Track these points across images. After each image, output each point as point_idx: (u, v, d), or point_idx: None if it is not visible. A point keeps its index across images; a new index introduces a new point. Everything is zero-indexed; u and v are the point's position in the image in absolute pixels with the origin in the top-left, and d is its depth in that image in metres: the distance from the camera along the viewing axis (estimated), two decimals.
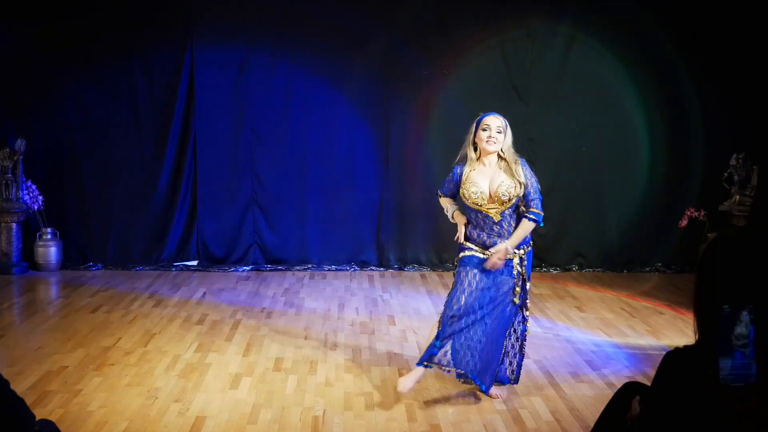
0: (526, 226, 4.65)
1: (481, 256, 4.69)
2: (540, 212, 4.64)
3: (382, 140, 8.59)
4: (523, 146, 8.49)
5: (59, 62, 8.38)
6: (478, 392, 4.86)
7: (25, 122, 8.42)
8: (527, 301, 4.82)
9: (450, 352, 4.60)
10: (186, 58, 8.43)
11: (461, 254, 4.77)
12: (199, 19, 8.42)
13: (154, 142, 8.53)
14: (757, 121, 8.34)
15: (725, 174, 8.45)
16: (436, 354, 4.58)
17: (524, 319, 4.85)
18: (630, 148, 8.64)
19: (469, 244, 4.75)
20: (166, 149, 8.51)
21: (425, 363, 4.62)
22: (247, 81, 8.50)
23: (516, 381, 4.94)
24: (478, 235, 4.70)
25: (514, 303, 4.70)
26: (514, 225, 4.67)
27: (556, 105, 8.54)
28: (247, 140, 8.57)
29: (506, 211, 4.65)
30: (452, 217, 4.89)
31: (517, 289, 4.68)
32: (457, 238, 4.80)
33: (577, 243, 8.69)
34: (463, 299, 4.61)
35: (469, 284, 4.64)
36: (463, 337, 4.59)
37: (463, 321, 4.60)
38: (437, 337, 4.60)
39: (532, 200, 4.65)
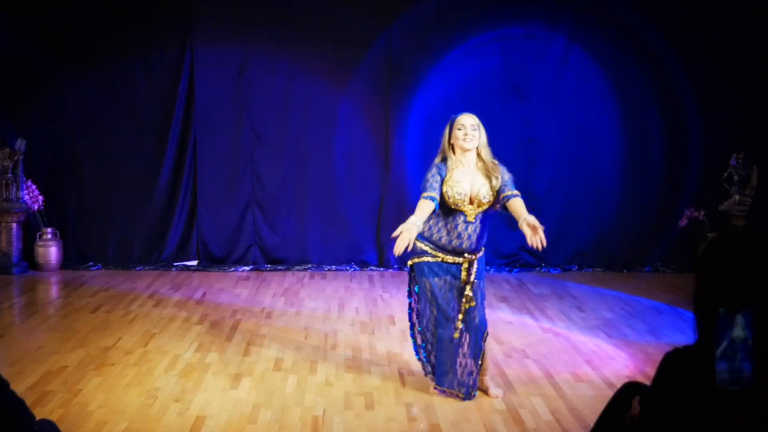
0: (521, 202, 4.59)
1: (438, 260, 4.68)
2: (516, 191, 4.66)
3: (382, 140, 8.59)
4: (523, 146, 8.55)
5: (59, 62, 8.38)
6: (479, 392, 4.87)
7: (25, 122, 8.42)
8: (480, 302, 4.73)
9: (449, 375, 4.73)
10: (186, 58, 8.43)
11: (416, 259, 4.72)
12: (199, 19, 8.42)
13: (154, 142, 8.53)
14: (757, 121, 8.34)
15: (725, 174, 8.43)
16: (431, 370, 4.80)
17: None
18: (630, 148, 8.64)
19: (425, 247, 4.70)
20: (166, 149, 8.52)
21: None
22: (247, 81, 8.50)
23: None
24: (438, 231, 4.68)
25: (472, 305, 4.66)
26: (480, 231, 4.65)
27: (556, 105, 8.54)
28: (247, 140, 8.57)
29: (480, 215, 4.66)
30: (413, 224, 4.47)
31: (468, 288, 4.65)
32: (401, 243, 4.44)
33: (577, 243, 8.69)
34: (431, 312, 4.72)
35: (434, 295, 4.69)
36: (450, 355, 4.70)
37: (443, 336, 4.69)
38: (425, 350, 4.78)
39: (507, 184, 4.64)
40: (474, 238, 4.65)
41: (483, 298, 4.74)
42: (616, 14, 8.45)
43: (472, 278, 4.65)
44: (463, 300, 4.65)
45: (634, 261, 8.68)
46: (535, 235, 4.34)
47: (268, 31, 8.45)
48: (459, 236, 4.64)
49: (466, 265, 4.67)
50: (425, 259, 4.73)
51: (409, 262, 4.82)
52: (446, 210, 4.67)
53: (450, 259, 4.67)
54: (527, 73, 8.53)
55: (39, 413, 3.91)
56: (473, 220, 4.63)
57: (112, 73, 8.45)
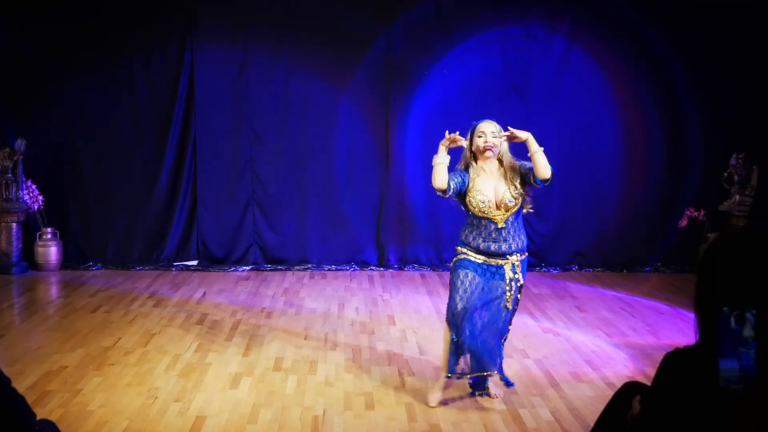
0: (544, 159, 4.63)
1: (479, 261, 4.67)
2: None
3: (382, 140, 8.59)
4: (522, 146, 8.52)
5: (59, 62, 8.38)
6: (478, 392, 4.87)
7: (25, 122, 8.42)
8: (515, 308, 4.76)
9: (467, 360, 4.71)
10: (186, 58, 8.43)
11: (457, 257, 4.74)
12: (199, 19, 8.42)
13: (154, 142, 8.53)
14: (757, 121, 8.34)
15: (725, 174, 8.44)
16: (456, 366, 4.70)
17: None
18: (630, 148, 8.64)
19: (465, 250, 4.71)
20: (166, 149, 8.51)
21: (448, 375, 4.72)
22: (247, 81, 8.50)
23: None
24: (474, 239, 4.67)
25: (507, 308, 4.67)
26: (514, 234, 4.64)
27: (556, 105, 8.54)
28: (247, 140, 8.57)
29: (510, 218, 4.64)
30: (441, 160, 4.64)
31: (509, 294, 4.65)
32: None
33: (577, 243, 8.69)
34: (460, 304, 4.62)
35: (462, 284, 4.64)
36: (470, 342, 4.70)
37: (467, 326, 4.66)
38: (452, 353, 4.69)
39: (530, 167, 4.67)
40: (510, 240, 4.64)
41: (516, 303, 4.73)
42: (616, 14, 8.44)
43: (514, 281, 4.65)
44: (502, 302, 4.65)
45: (634, 261, 8.69)
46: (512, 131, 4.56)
47: (268, 31, 8.45)
48: (495, 240, 4.62)
49: (509, 266, 4.65)
50: (465, 256, 4.69)
51: (453, 261, 4.78)
52: (476, 219, 4.66)
53: (493, 261, 4.65)
54: (527, 73, 8.53)
55: (39, 413, 3.90)
56: (504, 225, 4.62)
57: (112, 73, 8.45)
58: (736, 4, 8.31)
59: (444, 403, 4.75)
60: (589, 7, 8.45)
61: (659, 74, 8.54)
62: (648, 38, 8.47)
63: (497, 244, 4.62)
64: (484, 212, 4.62)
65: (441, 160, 4.63)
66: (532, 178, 4.62)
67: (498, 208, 4.62)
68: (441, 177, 4.59)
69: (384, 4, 8.46)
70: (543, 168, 4.59)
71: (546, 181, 4.64)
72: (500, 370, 4.78)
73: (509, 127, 4.64)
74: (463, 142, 4.69)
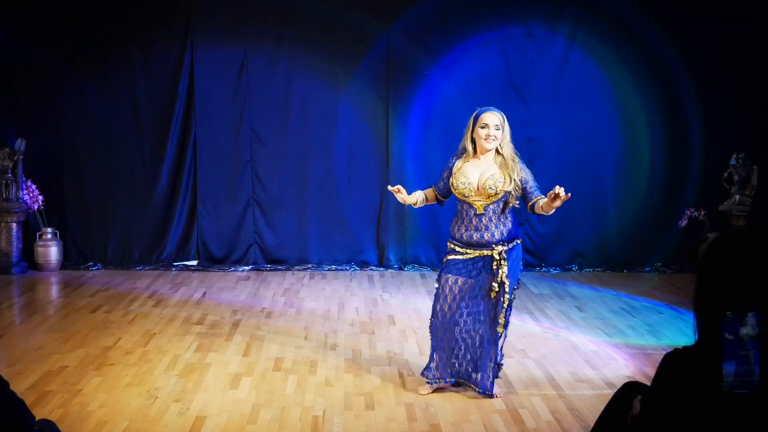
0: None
1: (462, 257, 4.70)
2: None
3: (383, 140, 8.59)
4: (523, 146, 8.52)
5: (59, 62, 8.37)
6: (477, 391, 4.87)
7: (25, 122, 8.41)
8: (508, 303, 4.67)
9: (440, 366, 4.83)
10: (186, 58, 8.43)
11: (446, 258, 4.80)
12: (199, 19, 8.42)
13: (154, 142, 8.53)
14: (757, 121, 8.34)
15: (725, 174, 8.44)
16: (431, 370, 4.86)
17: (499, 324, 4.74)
18: (630, 148, 8.64)
19: (452, 245, 4.77)
20: (166, 149, 8.51)
21: (428, 381, 4.89)
22: (247, 81, 8.50)
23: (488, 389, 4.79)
24: (458, 229, 4.74)
25: (497, 300, 4.65)
26: (497, 222, 4.66)
27: (556, 105, 8.54)
28: (247, 140, 8.57)
29: (491, 206, 4.66)
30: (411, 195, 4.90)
31: (494, 285, 4.63)
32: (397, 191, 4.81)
33: (577, 243, 8.69)
34: (441, 306, 4.76)
35: (445, 291, 4.74)
36: (450, 347, 4.80)
37: (447, 330, 4.76)
38: (431, 355, 4.87)
39: (533, 190, 4.66)
40: (493, 228, 4.65)
41: (510, 306, 4.71)
42: (616, 14, 8.44)
43: (501, 272, 4.63)
44: (492, 293, 4.65)
45: (634, 261, 8.68)
46: (557, 199, 4.39)
47: (268, 31, 8.45)
48: (477, 228, 4.66)
49: (497, 257, 4.64)
50: (452, 257, 4.74)
51: (443, 260, 4.86)
52: (459, 204, 4.75)
53: (479, 252, 4.67)
54: (527, 73, 8.53)
55: (39, 413, 3.91)
56: (483, 212, 4.65)
57: (113, 73, 8.44)
58: (737, 4, 8.30)
59: (444, 403, 4.75)
60: (590, 7, 8.44)
61: (659, 74, 8.53)
62: (648, 38, 8.47)
63: (479, 233, 4.65)
64: (465, 195, 4.68)
65: (412, 202, 4.88)
66: (529, 205, 4.68)
67: (479, 192, 4.65)
68: (429, 202, 4.96)
69: (384, 4, 8.46)
70: (547, 214, 4.64)
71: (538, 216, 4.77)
72: (484, 387, 4.77)
73: (561, 190, 4.40)
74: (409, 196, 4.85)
